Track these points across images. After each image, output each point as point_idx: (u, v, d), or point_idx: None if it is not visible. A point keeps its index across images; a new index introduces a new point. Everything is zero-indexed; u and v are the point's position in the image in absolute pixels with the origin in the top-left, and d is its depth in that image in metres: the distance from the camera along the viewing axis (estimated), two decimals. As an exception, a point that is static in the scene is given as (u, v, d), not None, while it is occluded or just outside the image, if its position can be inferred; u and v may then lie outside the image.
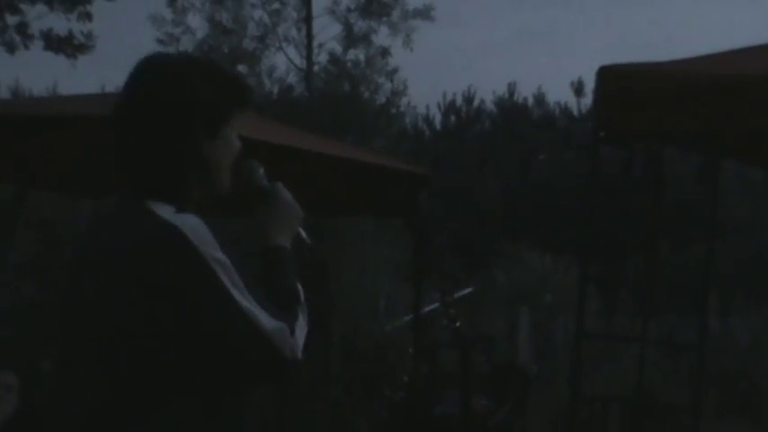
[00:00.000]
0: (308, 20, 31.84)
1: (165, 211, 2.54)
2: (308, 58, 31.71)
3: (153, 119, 2.59)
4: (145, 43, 33.47)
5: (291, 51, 32.19)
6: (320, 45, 31.81)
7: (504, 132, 33.77)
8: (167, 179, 2.59)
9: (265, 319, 2.54)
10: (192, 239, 2.50)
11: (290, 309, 2.62)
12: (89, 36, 19.11)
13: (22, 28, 18.79)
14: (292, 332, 2.58)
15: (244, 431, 2.65)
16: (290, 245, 2.77)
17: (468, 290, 8.64)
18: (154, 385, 2.50)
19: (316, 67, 31.74)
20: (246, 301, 2.52)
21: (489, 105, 35.99)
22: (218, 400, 2.57)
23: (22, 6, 18.82)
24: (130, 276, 2.50)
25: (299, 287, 2.69)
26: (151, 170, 2.59)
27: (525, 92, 37.53)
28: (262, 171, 2.85)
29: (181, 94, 2.60)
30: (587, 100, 31.97)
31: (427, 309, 8.07)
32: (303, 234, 2.86)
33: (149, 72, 2.65)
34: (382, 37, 32.14)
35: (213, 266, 2.50)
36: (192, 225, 2.52)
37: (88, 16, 19.05)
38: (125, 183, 2.62)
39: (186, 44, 31.57)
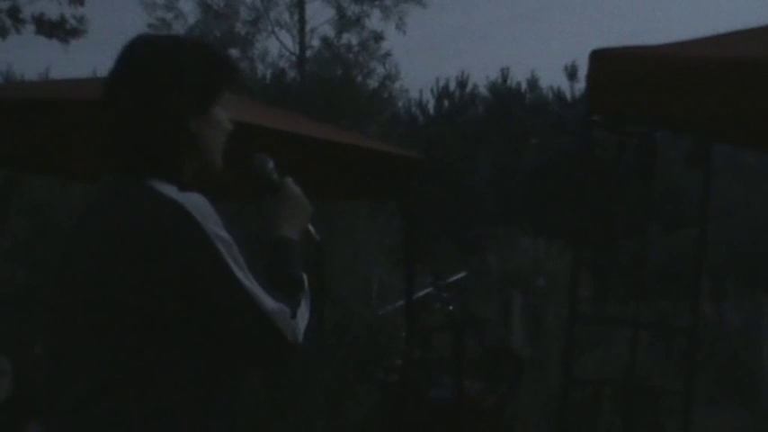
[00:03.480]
0: (300, 4, 31.79)
1: (168, 190, 2.57)
2: (301, 42, 31.68)
3: (142, 98, 2.60)
4: (136, 28, 33.44)
5: (284, 36, 32.17)
6: (313, 30, 31.81)
7: (498, 117, 33.77)
8: (159, 158, 2.61)
9: (267, 300, 2.56)
10: (197, 217, 2.52)
11: (292, 294, 2.64)
12: (81, 20, 19.05)
13: (13, 12, 18.71)
14: (293, 315, 2.60)
15: (235, 414, 2.66)
16: (298, 238, 2.78)
17: (461, 274, 8.63)
18: (156, 361, 2.52)
19: (308, 52, 31.71)
20: (249, 281, 2.55)
21: (482, 90, 36.02)
22: (217, 380, 2.59)
23: (14, -10, 18.76)
24: (134, 253, 2.51)
25: (305, 277, 2.71)
26: (143, 149, 2.61)
27: (518, 76, 37.59)
28: (272, 165, 2.87)
29: (168, 73, 2.62)
30: (580, 84, 31.99)
31: (420, 293, 8.08)
32: (312, 230, 2.88)
33: (136, 53, 2.67)
34: (375, 21, 32.13)
35: (217, 244, 2.52)
36: (196, 203, 2.54)
37: (80, 1, 19.00)
38: (117, 164, 2.63)
39: (178, 29, 31.53)
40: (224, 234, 2.54)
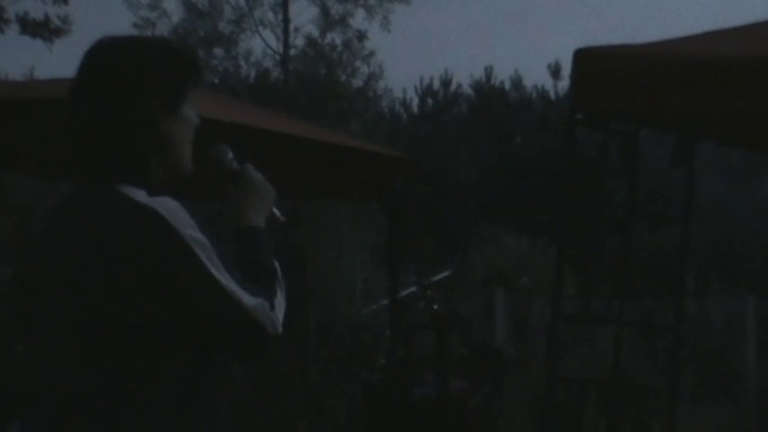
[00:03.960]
0: (284, 3, 31.76)
1: (138, 195, 2.55)
2: (285, 41, 31.64)
3: (110, 101, 2.58)
4: (121, 27, 33.40)
5: (268, 35, 32.13)
6: (297, 29, 31.77)
7: (481, 116, 33.79)
8: (129, 161, 2.59)
9: (245, 297, 2.56)
10: (170, 220, 2.51)
11: (268, 285, 2.65)
12: (65, 20, 19.00)
13: (-3, 12, 18.67)
14: (272, 307, 2.61)
15: (218, 411, 2.66)
16: (264, 224, 2.79)
17: (445, 273, 8.65)
18: (137, 364, 2.51)
19: (292, 51, 31.67)
20: (226, 280, 2.54)
21: (466, 89, 36.04)
22: (200, 379, 2.59)
23: (-2, -10, 18.72)
24: (111, 260, 2.50)
25: (276, 264, 2.71)
26: (112, 153, 2.59)
27: (502, 75, 37.62)
28: (231, 154, 2.86)
29: (136, 75, 2.60)
30: (564, 83, 32.06)
31: (404, 292, 8.08)
32: (277, 212, 2.88)
33: (101, 56, 2.64)
34: (359, 20, 32.11)
35: (193, 246, 2.51)
36: (169, 206, 2.53)
37: (64, 0, 18.96)
38: (85, 168, 2.62)
39: (162, 28, 31.49)
40: (199, 236, 2.53)
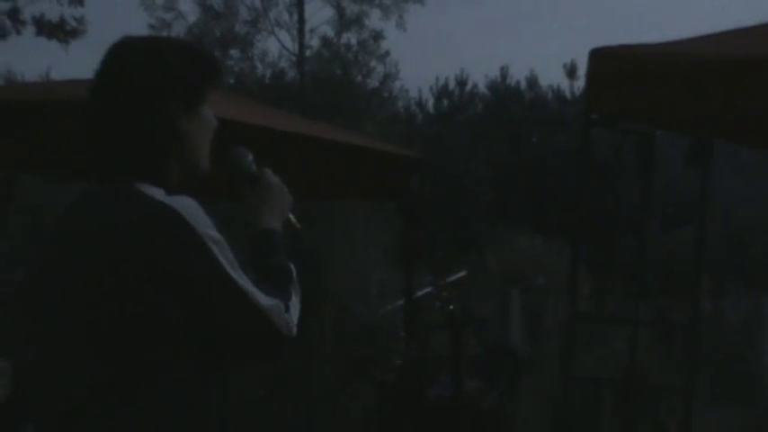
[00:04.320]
0: (299, 4, 31.80)
1: (155, 193, 2.56)
2: (300, 42, 31.69)
3: (129, 101, 2.60)
4: (136, 28, 33.46)
5: (283, 36, 32.23)
6: (312, 29, 31.82)
7: (497, 116, 33.76)
8: (147, 160, 2.61)
9: (261, 297, 2.57)
10: (188, 219, 2.51)
11: (283, 287, 2.66)
12: (81, 21, 19.07)
13: (14, 14, 18.73)
14: (287, 309, 2.62)
15: (229, 410, 2.67)
16: (280, 228, 2.80)
17: (461, 273, 8.64)
18: (151, 362, 2.52)
19: (308, 52, 31.72)
20: (242, 280, 2.55)
21: (482, 89, 36.02)
22: (212, 378, 2.60)
23: (14, -8, 18.78)
24: (128, 257, 2.50)
25: (292, 267, 2.73)
26: (131, 152, 2.60)
27: (518, 75, 37.58)
28: (250, 157, 2.88)
29: (156, 74, 2.61)
30: (580, 83, 32.01)
31: (420, 293, 8.08)
32: (293, 219, 2.90)
33: (122, 55, 2.66)
34: (374, 20, 32.14)
35: (210, 245, 2.52)
36: (187, 205, 2.54)
37: (80, 1, 19.02)
38: (103, 167, 2.63)
39: (178, 29, 31.57)
40: (216, 235, 2.54)
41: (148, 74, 2.61)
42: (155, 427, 2.52)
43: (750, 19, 5.87)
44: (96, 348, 2.54)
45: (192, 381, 2.56)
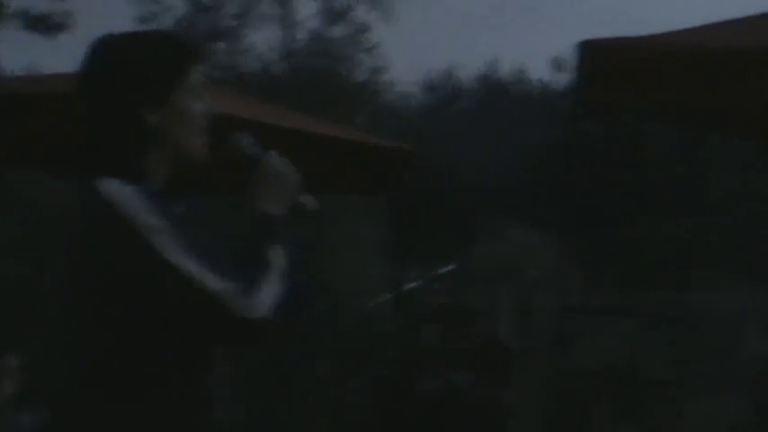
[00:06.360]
0: (287, -3, 31.71)
1: (106, 186, 2.59)
2: (288, 35, 31.61)
3: (92, 98, 2.68)
4: (124, 21, 33.33)
5: (271, 29, 32.10)
6: (300, 23, 31.73)
7: (485, 109, 33.78)
8: (116, 156, 2.65)
9: (210, 280, 2.54)
10: (125, 207, 2.54)
11: (252, 269, 2.60)
12: (67, 14, 19.03)
13: (-1, 7, 18.68)
14: (247, 291, 2.56)
15: (211, 398, 2.67)
16: (279, 212, 2.74)
17: (451, 266, 8.64)
18: (124, 354, 2.56)
19: (295, 45, 31.63)
20: (188, 265, 2.53)
21: (471, 82, 36.06)
22: (187, 366, 2.62)
23: (-1, -14, 18.73)
24: (78, 251, 2.58)
25: (275, 251, 2.66)
26: (100, 148, 2.67)
27: (507, 68, 37.59)
28: (250, 140, 2.83)
29: (116, 68, 2.66)
30: (569, 76, 32.03)
31: (410, 285, 8.07)
32: (303, 200, 2.84)
33: (91, 53, 2.73)
34: (362, 13, 32.06)
35: (147, 232, 2.53)
36: (126, 194, 2.56)
37: (66, -6, 18.98)
38: (80, 163, 2.72)
39: (165, 22, 31.46)
40: (155, 222, 2.54)
41: (107, 70, 2.66)
42: (134, 417, 2.55)
43: (743, 10, 5.86)
44: (73, 343, 2.63)
45: (166, 373, 2.58)
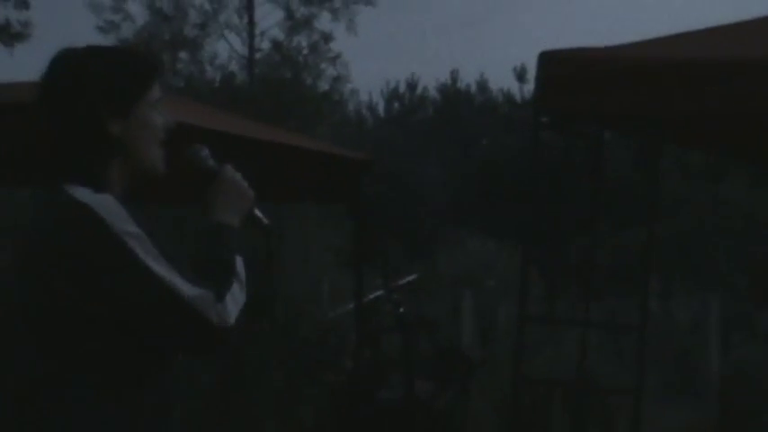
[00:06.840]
0: (249, 6, 31.70)
1: (79, 192, 2.62)
2: (250, 45, 31.57)
3: (56, 109, 2.69)
4: (84, 31, 33.21)
5: (233, 38, 32.07)
6: (262, 32, 31.72)
7: (447, 119, 33.86)
8: (77, 164, 2.67)
9: (186, 287, 2.57)
10: (103, 215, 2.56)
11: (218, 278, 2.64)
12: (26, 24, 18.96)
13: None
14: (219, 299, 2.60)
15: (169, 406, 2.69)
16: (236, 224, 2.79)
17: (412, 276, 8.64)
18: (80, 362, 2.57)
19: (258, 54, 31.62)
20: (164, 272, 2.56)
21: (432, 92, 36.14)
22: (148, 373, 2.64)
23: (-41, -5, 18.64)
24: (50, 257, 2.57)
25: (237, 260, 2.71)
26: (63, 157, 2.69)
27: (468, 78, 37.70)
28: (206, 152, 2.89)
29: (76, 82, 2.69)
30: (529, 86, 32.17)
31: (371, 296, 8.08)
32: (259, 214, 2.88)
33: (50, 65, 2.74)
34: (324, 22, 32.08)
35: (125, 239, 2.55)
36: (103, 202, 2.59)
37: (25, 4, 18.91)
38: (41, 172, 2.72)
39: (126, 31, 31.36)
40: (133, 229, 2.56)
41: (73, 83, 2.69)
42: (91, 422, 2.56)
43: (695, 24, 5.93)
44: (35, 345, 2.60)
45: (127, 379, 2.60)
